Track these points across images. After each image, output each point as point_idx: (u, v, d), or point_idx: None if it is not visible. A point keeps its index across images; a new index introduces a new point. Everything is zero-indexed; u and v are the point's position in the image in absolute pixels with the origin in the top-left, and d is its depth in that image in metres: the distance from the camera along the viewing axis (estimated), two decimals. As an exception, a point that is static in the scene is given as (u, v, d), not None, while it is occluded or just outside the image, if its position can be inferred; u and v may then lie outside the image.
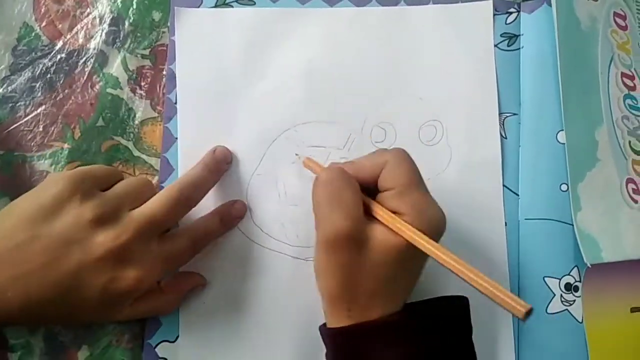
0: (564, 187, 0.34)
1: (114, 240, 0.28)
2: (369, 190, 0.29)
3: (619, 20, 0.38)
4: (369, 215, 0.28)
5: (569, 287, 0.34)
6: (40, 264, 0.27)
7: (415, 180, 0.28)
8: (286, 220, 0.34)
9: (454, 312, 0.29)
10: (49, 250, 0.27)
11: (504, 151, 0.35)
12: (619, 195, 0.35)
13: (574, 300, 0.33)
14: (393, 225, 0.27)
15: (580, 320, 0.33)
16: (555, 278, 0.34)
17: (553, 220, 0.34)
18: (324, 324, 0.30)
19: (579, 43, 0.36)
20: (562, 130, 0.35)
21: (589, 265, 0.33)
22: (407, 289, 0.29)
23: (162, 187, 0.33)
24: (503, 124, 0.35)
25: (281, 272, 0.33)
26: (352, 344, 0.27)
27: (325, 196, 0.28)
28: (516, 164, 0.35)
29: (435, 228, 0.27)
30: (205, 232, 0.32)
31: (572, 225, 0.33)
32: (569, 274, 0.34)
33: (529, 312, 0.23)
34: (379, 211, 0.28)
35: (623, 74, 0.37)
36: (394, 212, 0.27)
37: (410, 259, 0.27)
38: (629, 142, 0.36)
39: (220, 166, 0.33)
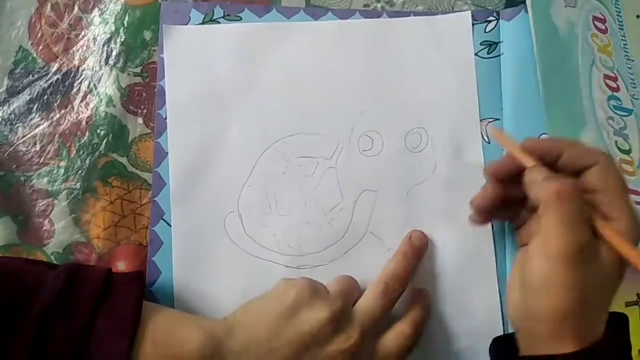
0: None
1: (346, 341, 0.30)
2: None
3: (599, 24, 0.39)
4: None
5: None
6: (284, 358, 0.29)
7: (626, 187, 0.28)
8: (278, 230, 0.36)
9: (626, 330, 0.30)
10: (293, 346, 0.29)
11: (487, 155, 0.36)
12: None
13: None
14: (619, 245, 0.27)
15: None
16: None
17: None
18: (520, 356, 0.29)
19: (558, 49, 0.37)
20: (544, 133, 0.36)
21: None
22: (608, 306, 0.29)
23: (155, 202, 0.36)
24: (485, 129, 0.37)
25: (274, 281, 0.34)
26: None
27: (569, 210, 0.27)
28: (500, 168, 0.36)
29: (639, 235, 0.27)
30: (403, 286, 0.33)
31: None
32: None
33: None
34: (607, 232, 0.28)
35: (606, 76, 0.38)
36: (603, 218, 0.28)
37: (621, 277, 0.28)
38: (616, 142, 0.37)
39: (420, 252, 0.35)
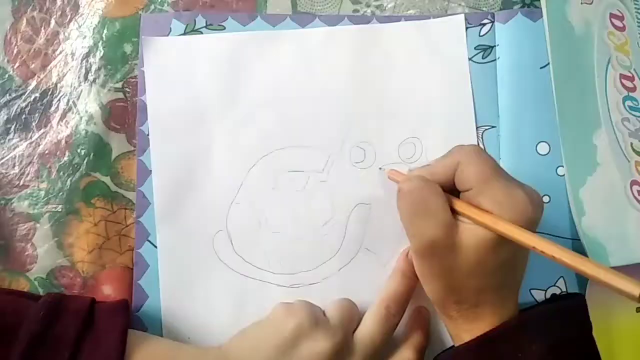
0: (546, 199, 0.35)
1: None
2: (450, 190, 0.30)
3: (616, 22, 0.39)
4: (455, 214, 0.29)
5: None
6: None
7: (490, 174, 0.29)
8: (268, 248, 0.35)
9: (578, 310, 0.31)
10: None
11: (484, 165, 0.36)
12: (624, 198, 0.36)
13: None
14: (479, 221, 0.28)
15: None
16: (541, 290, 0.35)
17: (538, 233, 0.34)
18: (443, 352, 0.32)
19: (573, 48, 0.37)
20: (542, 141, 0.36)
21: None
22: (514, 285, 0.31)
23: (139, 222, 0.35)
24: (482, 137, 0.36)
25: (266, 301, 0.34)
26: (492, 347, 0.29)
27: (411, 207, 0.30)
28: (498, 178, 0.36)
29: (526, 216, 0.28)
30: (404, 308, 0.33)
31: (555, 236, 0.35)
32: (554, 285, 0.35)
33: None
34: (464, 210, 0.29)
35: (622, 76, 0.38)
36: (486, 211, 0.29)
37: (507, 252, 0.28)
38: (631, 144, 0.37)
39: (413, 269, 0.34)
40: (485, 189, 0.28)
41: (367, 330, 0.32)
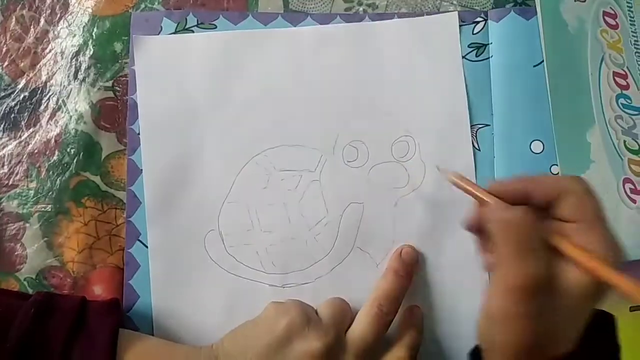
0: (540, 198, 0.35)
1: None
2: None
3: (609, 19, 0.39)
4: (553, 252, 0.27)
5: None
6: None
7: (603, 214, 0.27)
8: (260, 247, 0.35)
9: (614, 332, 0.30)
10: None
11: (478, 163, 0.36)
12: (616, 195, 0.36)
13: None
14: (589, 263, 0.26)
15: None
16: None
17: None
18: None
19: (567, 45, 0.37)
20: (536, 139, 0.36)
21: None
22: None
23: (130, 222, 0.35)
24: (476, 136, 0.36)
25: (258, 301, 0.34)
26: None
27: (516, 241, 0.26)
28: (491, 176, 0.36)
29: (621, 258, 0.26)
30: (397, 307, 0.33)
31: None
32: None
33: None
34: (569, 250, 0.26)
35: (615, 73, 0.38)
36: (582, 247, 0.26)
37: (600, 298, 0.27)
38: (624, 141, 0.37)
39: (411, 269, 0.34)
40: (598, 227, 0.26)
41: (360, 329, 0.32)
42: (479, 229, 0.29)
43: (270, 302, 0.32)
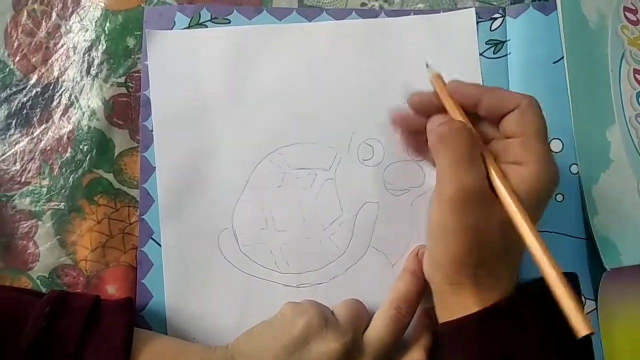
0: (559, 198, 0.36)
1: None
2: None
3: (630, 15, 0.39)
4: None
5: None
6: None
7: (544, 130, 0.29)
8: (274, 247, 0.36)
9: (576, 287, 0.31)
10: None
11: (496, 162, 0.36)
12: (637, 196, 0.36)
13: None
14: (498, 189, 0.28)
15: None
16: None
17: (546, 231, 0.35)
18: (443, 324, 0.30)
19: (588, 41, 0.37)
20: (555, 138, 0.36)
21: (608, 269, 0.34)
22: (518, 261, 0.30)
23: (143, 220, 0.35)
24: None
25: (272, 301, 0.34)
26: (503, 320, 0.28)
27: (453, 152, 0.28)
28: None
29: (553, 183, 0.28)
30: (415, 309, 0.33)
31: (569, 235, 0.35)
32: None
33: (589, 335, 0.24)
34: (493, 171, 0.28)
35: (635, 70, 0.38)
36: (515, 162, 0.28)
37: (534, 214, 0.28)
38: None
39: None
40: (535, 143, 0.28)
41: (377, 330, 0.32)
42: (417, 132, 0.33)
43: (286, 302, 0.33)
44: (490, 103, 0.29)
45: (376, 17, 0.38)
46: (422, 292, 0.33)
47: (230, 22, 0.38)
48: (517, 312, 0.28)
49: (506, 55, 0.37)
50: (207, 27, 0.37)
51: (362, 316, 0.33)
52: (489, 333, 0.28)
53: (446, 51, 0.37)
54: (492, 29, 0.37)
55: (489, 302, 0.28)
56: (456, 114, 0.30)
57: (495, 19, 0.38)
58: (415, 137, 0.34)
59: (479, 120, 0.31)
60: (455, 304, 0.29)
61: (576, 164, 0.36)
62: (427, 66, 0.33)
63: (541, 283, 0.28)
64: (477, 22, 0.37)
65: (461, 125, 0.29)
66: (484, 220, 0.28)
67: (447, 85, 0.32)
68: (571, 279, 0.30)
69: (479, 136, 0.30)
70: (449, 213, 0.28)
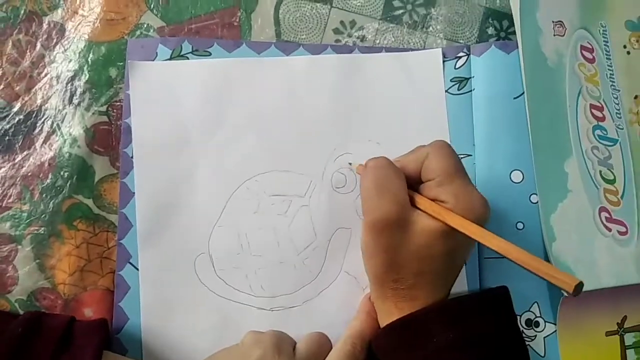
0: (519, 226, 0.38)
1: None
2: (414, 187, 0.34)
3: (586, 54, 0.42)
4: (413, 205, 0.33)
5: (529, 323, 0.37)
6: None
7: (454, 169, 0.32)
8: (250, 271, 0.37)
9: (499, 300, 0.34)
10: None
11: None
12: (592, 224, 0.39)
13: (535, 336, 0.37)
14: (433, 210, 0.31)
15: (543, 354, 0.37)
16: (517, 315, 0.37)
17: (507, 258, 0.37)
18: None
19: (547, 79, 0.40)
20: (516, 169, 0.39)
21: (565, 294, 0.36)
22: (451, 275, 0.34)
23: (121, 244, 0.37)
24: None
25: (247, 324, 0.36)
26: (413, 329, 0.32)
27: (373, 182, 0.33)
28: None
29: (477, 214, 0.31)
30: (367, 345, 0.35)
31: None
32: (529, 310, 0.38)
33: (578, 286, 0.26)
34: (420, 200, 0.32)
35: (592, 106, 0.41)
36: (434, 201, 0.32)
37: (453, 243, 0.32)
38: (600, 171, 0.40)
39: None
40: (446, 182, 0.32)
41: None
42: None
43: (250, 331, 0.34)
44: (412, 165, 0.34)
45: (350, 52, 0.40)
46: (374, 330, 0.35)
47: (210, 54, 0.40)
48: (425, 322, 0.32)
49: (470, 91, 0.40)
50: (188, 59, 0.40)
51: (322, 349, 0.35)
52: (395, 340, 0.33)
53: (414, 87, 0.40)
54: (457, 67, 0.40)
55: (407, 312, 0.32)
56: None
57: (460, 57, 0.40)
58: None
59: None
60: (382, 312, 0.34)
61: (536, 194, 0.38)
62: (350, 164, 0.38)
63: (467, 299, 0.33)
64: (443, 61, 0.40)
65: (382, 159, 0.34)
66: (398, 243, 0.32)
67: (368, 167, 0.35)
68: (502, 292, 0.34)
69: (401, 171, 0.33)
70: (368, 236, 0.33)
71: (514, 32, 0.40)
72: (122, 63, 0.39)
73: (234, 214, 0.38)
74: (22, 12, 0.39)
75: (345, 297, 0.37)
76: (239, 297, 0.37)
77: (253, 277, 0.37)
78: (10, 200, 0.37)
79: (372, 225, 0.32)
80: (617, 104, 0.41)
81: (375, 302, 0.35)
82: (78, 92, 0.39)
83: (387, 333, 0.33)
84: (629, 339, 0.39)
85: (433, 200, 0.32)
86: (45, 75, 0.39)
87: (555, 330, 0.37)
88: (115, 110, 0.39)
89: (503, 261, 0.37)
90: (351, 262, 0.38)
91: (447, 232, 0.31)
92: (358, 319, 0.36)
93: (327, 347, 0.35)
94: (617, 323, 0.39)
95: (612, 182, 0.40)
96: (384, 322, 0.34)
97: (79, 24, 0.39)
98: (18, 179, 0.37)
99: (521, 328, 0.37)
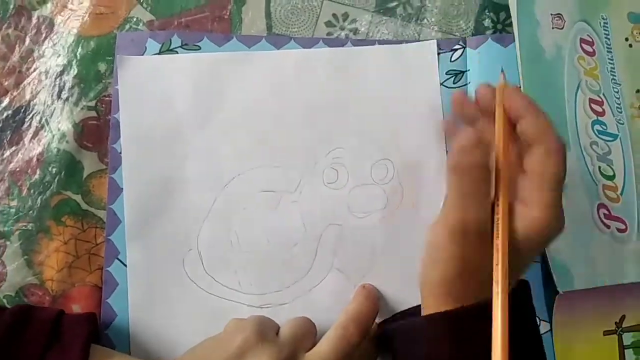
0: (515, 223, 0.37)
1: None
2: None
3: (586, 47, 0.41)
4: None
5: (524, 323, 0.37)
6: None
7: (560, 178, 0.30)
8: (239, 267, 0.37)
9: (527, 295, 0.33)
10: None
11: (454, 188, 0.38)
12: (591, 221, 0.38)
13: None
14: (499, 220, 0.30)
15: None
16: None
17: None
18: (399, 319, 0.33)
19: (544, 72, 0.39)
20: (511, 165, 0.38)
21: (561, 292, 0.36)
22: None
23: (109, 240, 0.37)
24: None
25: None
26: (469, 324, 0.30)
27: (460, 186, 0.30)
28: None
29: (555, 231, 0.30)
30: (364, 331, 0.34)
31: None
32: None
33: None
34: (501, 204, 0.30)
35: (591, 100, 0.40)
36: (524, 201, 0.30)
37: (528, 255, 0.31)
38: (599, 167, 0.39)
39: (376, 294, 0.36)
40: (545, 190, 0.30)
41: (321, 349, 0.33)
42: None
43: (232, 318, 0.34)
44: (526, 127, 0.31)
45: (342, 46, 0.40)
46: (373, 314, 0.35)
47: (200, 48, 0.39)
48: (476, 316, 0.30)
49: (466, 84, 0.39)
50: (177, 53, 0.39)
51: (307, 334, 0.34)
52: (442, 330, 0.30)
53: (408, 80, 0.39)
54: (453, 59, 0.40)
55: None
56: (499, 136, 0.32)
57: (456, 50, 0.40)
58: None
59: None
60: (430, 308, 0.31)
61: (531, 190, 0.38)
62: (502, 70, 0.35)
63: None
64: (438, 53, 0.39)
65: (474, 161, 0.31)
66: (477, 253, 0.30)
67: (505, 89, 0.33)
68: (522, 287, 0.33)
69: (489, 172, 0.31)
70: (447, 240, 0.30)
71: (511, 24, 0.40)
72: (111, 57, 0.39)
73: (223, 210, 0.38)
74: (12, 6, 0.39)
75: (335, 295, 0.37)
76: (228, 294, 0.37)
77: (242, 273, 0.37)
78: (-2, 197, 0.37)
79: (456, 230, 0.30)
80: (618, 98, 0.40)
81: (426, 305, 0.32)
82: (67, 87, 0.38)
83: (434, 322, 0.30)
84: (628, 338, 0.38)
85: (522, 201, 0.31)
86: (34, 70, 0.39)
87: (550, 329, 0.37)
88: (104, 105, 0.38)
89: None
90: (342, 260, 0.37)
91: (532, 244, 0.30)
92: (354, 301, 0.35)
93: (312, 331, 0.34)
94: (616, 322, 0.38)
95: (611, 178, 0.39)
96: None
97: (67, 19, 0.39)
98: (6, 174, 0.37)
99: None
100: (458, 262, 0.30)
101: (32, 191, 0.37)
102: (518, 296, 0.32)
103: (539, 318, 0.37)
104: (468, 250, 0.30)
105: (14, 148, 0.38)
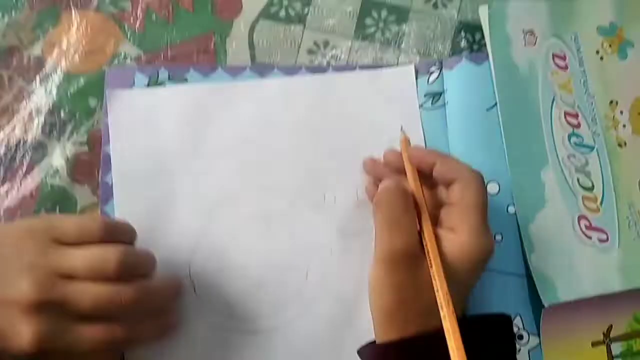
0: (498, 238, 0.38)
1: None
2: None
3: (559, 61, 0.42)
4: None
5: (513, 337, 0.38)
6: None
7: (482, 205, 0.33)
8: (230, 293, 0.38)
9: (501, 330, 0.33)
10: None
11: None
12: (572, 233, 0.39)
13: (520, 349, 0.37)
14: (428, 246, 0.32)
15: (527, 367, 0.37)
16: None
17: (492, 271, 0.38)
18: (366, 346, 0.33)
19: (519, 88, 0.41)
20: (492, 181, 0.39)
21: (546, 305, 0.36)
22: (458, 306, 0.32)
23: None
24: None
25: (229, 347, 0.37)
26: (415, 352, 0.31)
27: (384, 216, 0.33)
28: (451, 218, 0.39)
29: (484, 254, 0.32)
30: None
31: (511, 274, 0.38)
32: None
33: None
34: (426, 232, 0.32)
35: (566, 113, 0.41)
36: (451, 229, 0.32)
37: (466, 277, 0.32)
38: (577, 179, 0.40)
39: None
40: (469, 215, 0.32)
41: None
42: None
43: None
44: (440, 170, 0.34)
45: (324, 72, 0.41)
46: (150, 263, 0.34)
47: (187, 80, 0.41)
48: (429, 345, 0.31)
49: (444, 105, 0.41)
50: (165, 85, 0.41)
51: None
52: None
53: (388, 104, 0.40)
54: (430, 81, 0.41)
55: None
56: (411, 177, 0.35)
57: (432, 72, 0.41)
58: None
59: (437, 185, 0.35)
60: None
61: (513, 205, 0.39)
62: (401, 129, 0.37)
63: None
64: (416, 77, 0.41)
65: (394, 192, 0.33)
66: (411, 279, 0.31)
67: (410, 150, 0.36)
68: (504, 320, 0.33)
69: (412, 204, 0.33)
70: (381, 271, 0.32)
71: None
72: (100, 93, 0.40)
73: (214, 238, 0.38)
74: (4, 46, 0.41)
75: (329, 318, 0.37)
76: (222, 321, 0.38)
77: (235, 300, 0.38)
78: (-7, 233, 0.38)
79: (383, 261, 0.32)
80: (593, 110, 0.42)
81: (378, 337, 0.33)
82: (58, 124, 0.40)
83: (391, 347, 0.32)
84: (617, 348, 0.38)
85: (449, 228, 0.33)
86: (26, 107, 0.40)
87: (539, 343, 0.38)
88: (95, 140, 0.40)
89: (484, 275, 0.38)
90: (333, 282, 0.38)
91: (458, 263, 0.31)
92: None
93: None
94: (603, 333, 0.38)
95: (590, 189, 0.40)
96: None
97: (57, 57, 0.41)
98: (1, 211, 0.38)
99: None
100: (394, 290, 0.31)
101: (26, 227, 0.38)
102: (499, 332, 0.33)
103: (527, 331, 0.38)
104: (402, 279, 0.31)
105: (8, 185, 0.39)
